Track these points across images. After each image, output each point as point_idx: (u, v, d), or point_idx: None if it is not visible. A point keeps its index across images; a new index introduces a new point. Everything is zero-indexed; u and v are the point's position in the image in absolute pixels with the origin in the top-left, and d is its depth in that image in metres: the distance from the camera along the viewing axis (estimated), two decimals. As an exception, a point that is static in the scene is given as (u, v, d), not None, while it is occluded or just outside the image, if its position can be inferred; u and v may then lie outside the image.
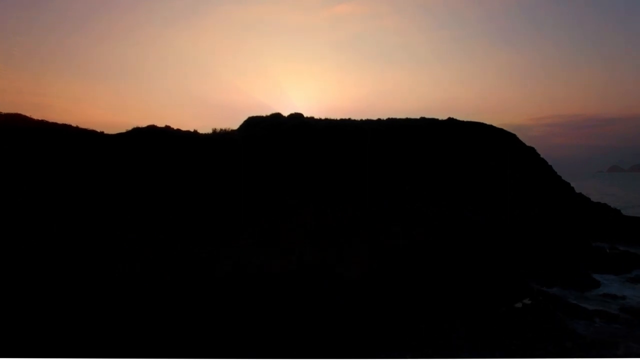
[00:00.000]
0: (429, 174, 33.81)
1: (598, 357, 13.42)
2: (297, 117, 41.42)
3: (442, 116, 48.08)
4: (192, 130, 32.31)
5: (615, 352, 15.03)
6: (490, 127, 48.07)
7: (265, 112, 45.58)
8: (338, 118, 44.27)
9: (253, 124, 40.12)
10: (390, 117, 46.56)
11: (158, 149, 26.25)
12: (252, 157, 27.63)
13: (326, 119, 43.13)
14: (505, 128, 48.92)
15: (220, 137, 33.00)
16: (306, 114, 41.32)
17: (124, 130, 28.96)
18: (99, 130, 29.64)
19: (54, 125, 29.09)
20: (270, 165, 27.26)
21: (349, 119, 43.97)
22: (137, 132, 28.62)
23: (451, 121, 47.01)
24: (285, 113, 40.81)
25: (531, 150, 48.43)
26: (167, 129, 30.53)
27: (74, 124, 29.51)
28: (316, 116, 43.19)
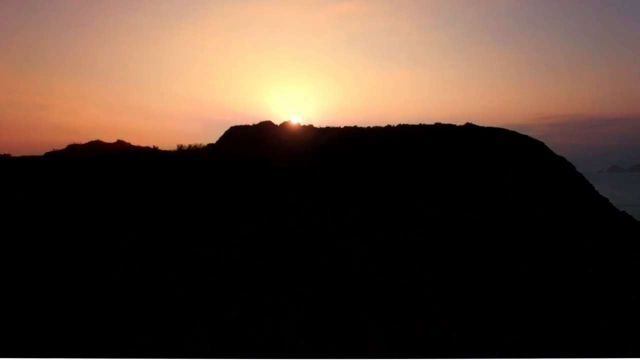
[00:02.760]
0: (430, 175, 33.21)
1: (597, 357, 13.24)
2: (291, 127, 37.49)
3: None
4: (151, 146, 29.28)
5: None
6: (514, 133, 43.62)
7: (252, 119, 41.83)
8: (342, 126, 39.98)
9: (236, 135, 35.07)
10: (402, 123, 42.03)
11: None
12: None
13: (327, 128, 39.37)
14: (505, 128, 46.23)
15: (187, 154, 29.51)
16: (303, 122, 38.48)
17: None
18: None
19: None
20: (268, 173, 27.06)
21: (355, 127, 39.91)
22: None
23: (469, 127, 42.40)
24: (278, 121, 37.07)
25: (561, 160, 42.68)
26: (119, 143, 27.94)
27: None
28: (315, 124, 39.39)
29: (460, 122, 43.74)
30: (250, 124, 37.22)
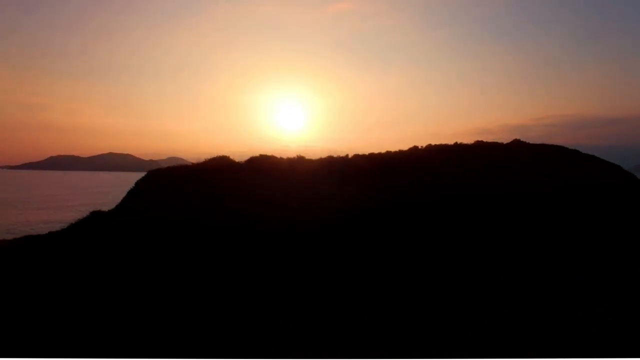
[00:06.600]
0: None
1: (598, 356, 11.95)
2: (266, 164, 20.63)
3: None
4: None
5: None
6: (576, 152, 28.68)
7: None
8: (350, 155, 26.32)
9: (154, 195, 16.51)
10: (431, 143, 28.71)
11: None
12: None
13: (329, 158, 25.72)
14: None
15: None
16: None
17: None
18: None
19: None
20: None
21: (371, 154, 27.07)
22: None
23: (518, 144, 29.09)
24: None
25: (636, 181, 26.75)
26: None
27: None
28: (310, 153, 26.03)
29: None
30: (190, 163, 21.15)
